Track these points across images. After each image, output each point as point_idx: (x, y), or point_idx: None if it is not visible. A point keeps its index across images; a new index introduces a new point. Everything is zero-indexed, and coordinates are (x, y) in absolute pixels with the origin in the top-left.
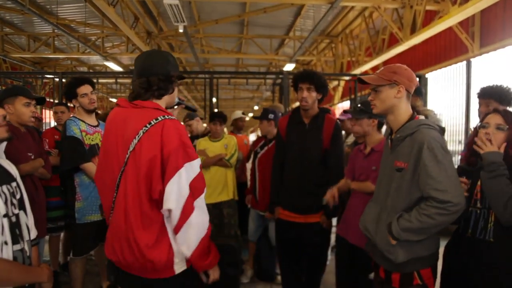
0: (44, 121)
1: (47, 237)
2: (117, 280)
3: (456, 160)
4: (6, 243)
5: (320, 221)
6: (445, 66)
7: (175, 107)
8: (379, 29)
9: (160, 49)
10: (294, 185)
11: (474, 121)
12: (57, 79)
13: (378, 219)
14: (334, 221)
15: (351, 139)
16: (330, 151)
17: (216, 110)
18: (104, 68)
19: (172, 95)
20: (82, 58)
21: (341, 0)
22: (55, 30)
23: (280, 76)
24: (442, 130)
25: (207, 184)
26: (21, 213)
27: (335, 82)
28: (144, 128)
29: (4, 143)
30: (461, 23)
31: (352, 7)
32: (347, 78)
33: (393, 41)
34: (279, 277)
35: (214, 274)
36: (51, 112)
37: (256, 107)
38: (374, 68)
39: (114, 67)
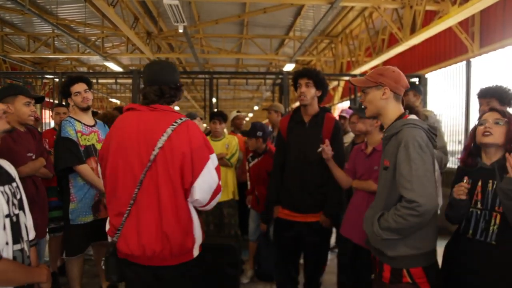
0: (43, 121)
1: (47, 238)
2: (121, 277)
3: (456, 160)
4: (7, 243)
5: (319, 221)
6: (445, 66)
7: None
8: (379, 29)
9: (160, 49)
10: (294, 184)
11: (474, 121)
12: (57, 79)
13: (372, 215)
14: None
15: (347, 139)
16: None
17: (216, 110)
18: (104, 68)
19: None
20: (82, 58)
21: (341, 0)
22: (55, 30)
23: (280, 76)
24: (433, 129)
25: None
26: (21, 213)
27: (335, 82)
28: (171, 126)
29: None
30: (461, 23)
31: (352, 7)
32: (347, 78)
33: (393, 41)
34: None
35: None
36: (51, 112)
37: (256, 107)
38: (374, 68)
39: (114, 67)
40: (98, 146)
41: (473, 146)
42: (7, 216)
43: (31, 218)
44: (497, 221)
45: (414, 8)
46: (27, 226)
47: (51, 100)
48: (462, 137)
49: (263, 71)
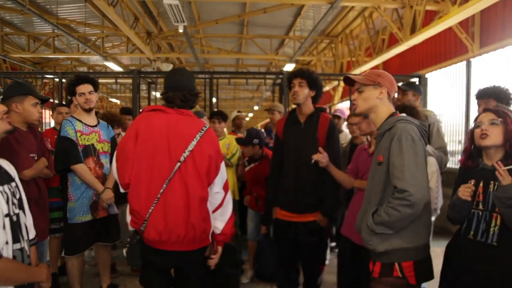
0: (43, 121)
1: (48, 238)
2: (145, 262)
3: (456, 160)
4: (7, 242)
5: (317, 220)
6: (445, 66)
7: None
8: (379, 29)
9: (160, 49)
10: (291, 184)
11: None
12: (57, 79)
13: (364, 212)
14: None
15: (344, 140)
16: (326, 148)
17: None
18: (104, 68)
19: None
20: (82, 58)
21: (341, 0)
22: (55, 30)
23: (280, 76)
24: (424, 126)
25: None
26: (21, 212)
27: (335, 82)
28: (200, 132)
29: None
30: (461, 23)
31: (352, 7)
32: None
33: (393, 41)
34: None
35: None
36: (50, 112)
37: (256, 107)
38: (374, 68)
39: (114, 67)
40: (98, 146)
41: (473, 148)
42: (6, 215)
43: (31, 217)
44: (498, 222)
45: (414, 8)
46: (27, 226)
47: (51, 100)
48: (462, 137)
49: (263, 71)
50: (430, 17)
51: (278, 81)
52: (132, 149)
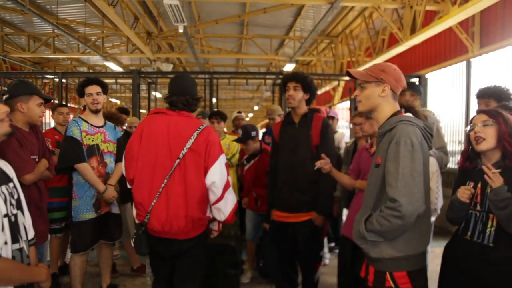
0: (44, 121)
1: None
2: (151, 251)
3: (456, 160)
4: (5, 242)
5: (312, 219)
6: (445, 67)
7: None
8: (379, 30)
9: (160, 49)
10: (286, 183)
11: None
12: (57, 79)
13: (360, 215)
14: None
15: (337, 141)
16: (320, 146)
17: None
18: (104, 68)
19: None
20: (82, 58)
21: (341, 0)
22: (55, 30)
23: (280, 76)
24: (429, 129)
25: None
26: (19, 213)
27: (335, 83)
28: (197, 130)
29: None
30: (461, 23)
31: (352, 8)
32: (347, 78)
33: (393, 41)
34: None
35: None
36: (50, 112)
37: (256, 107)
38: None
39: (114, 67)
40: (103, 146)
41: (471, 149)
42: (5, 215)
43: (29, 217)
44: (494, 223)
45: (414, 8)
46: (25, 226)
47: (51, 100)
48: (462, 137)
49: (263, 71)
50: (430, 17)
51: (278, 81)
52: (137, 148)
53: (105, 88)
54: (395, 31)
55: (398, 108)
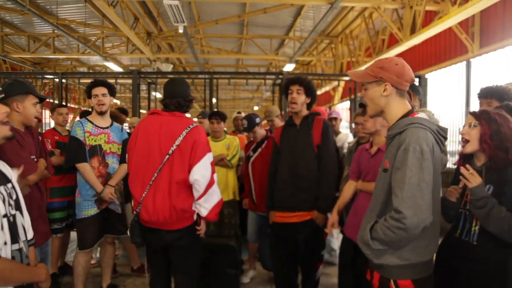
0: (43, 121)
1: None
2: (144, 240)
3: (455, 160)
4: (5, 242)
5: (312, 218)
6: (445, 67)
7: None
8: (379, 30)
9: (160, 49)
10: (286, 182)
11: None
12: (57, 80)
13: (367, 221)
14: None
15: (340, 142)
16: (321, 146)
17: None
18: (104, 69)
19: None
20: (82, 58)
21: (341, 0)
22: (55, 31)
23: (280, 76)
24: (443, 131)
25: None
26: (18, 213)
27: (335, 83)
28: (186, 129)
29: None
30: (461, 24)
31: (352, 8)
32: (347, 78)
33: (393, 41)
34: None
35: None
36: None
37: (256, 108)
38: None
39: (114, 67)
40: (106, 147)
41: None
42: (4, 216)
43: (29, 218)
44: (478, 222)
45: (414, 8)
46: (24, 226)
47: (51, 100)
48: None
49: (263, 71)
50: (430, 18)
51: (278, 81)
52: (133, 146)
53: (112, 90)
54: (395, 31)
55: (409, 107)
